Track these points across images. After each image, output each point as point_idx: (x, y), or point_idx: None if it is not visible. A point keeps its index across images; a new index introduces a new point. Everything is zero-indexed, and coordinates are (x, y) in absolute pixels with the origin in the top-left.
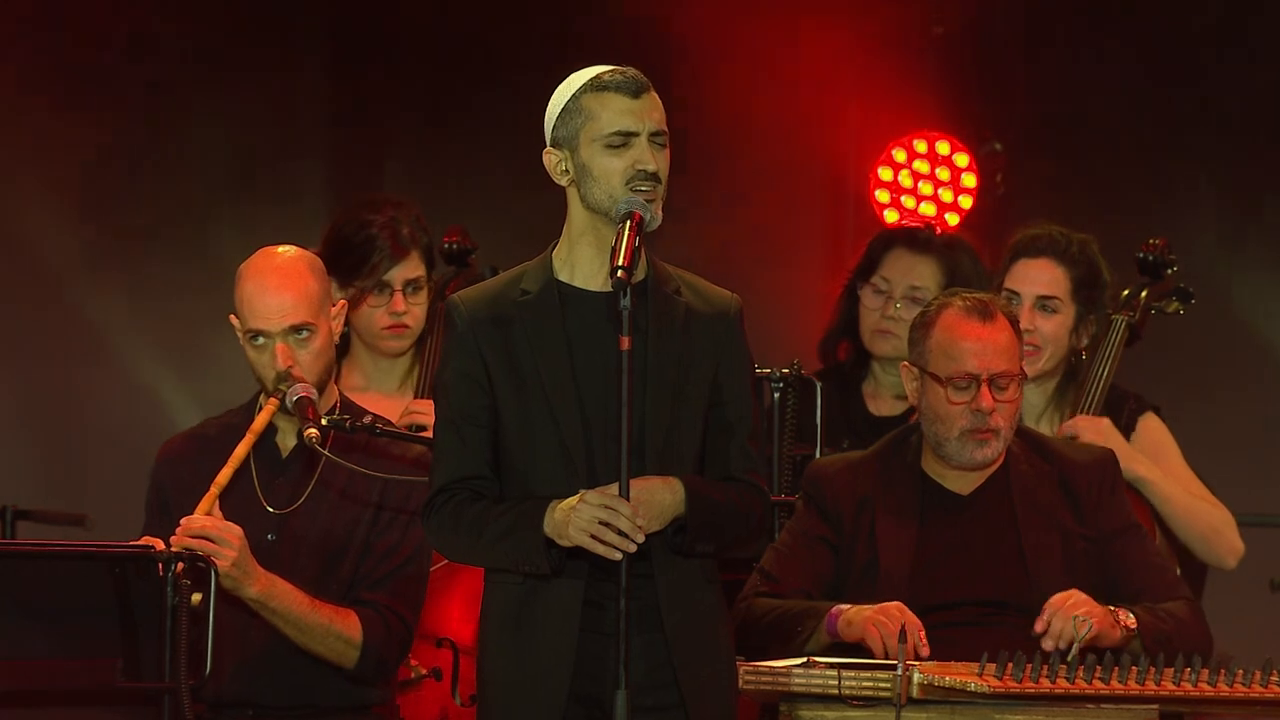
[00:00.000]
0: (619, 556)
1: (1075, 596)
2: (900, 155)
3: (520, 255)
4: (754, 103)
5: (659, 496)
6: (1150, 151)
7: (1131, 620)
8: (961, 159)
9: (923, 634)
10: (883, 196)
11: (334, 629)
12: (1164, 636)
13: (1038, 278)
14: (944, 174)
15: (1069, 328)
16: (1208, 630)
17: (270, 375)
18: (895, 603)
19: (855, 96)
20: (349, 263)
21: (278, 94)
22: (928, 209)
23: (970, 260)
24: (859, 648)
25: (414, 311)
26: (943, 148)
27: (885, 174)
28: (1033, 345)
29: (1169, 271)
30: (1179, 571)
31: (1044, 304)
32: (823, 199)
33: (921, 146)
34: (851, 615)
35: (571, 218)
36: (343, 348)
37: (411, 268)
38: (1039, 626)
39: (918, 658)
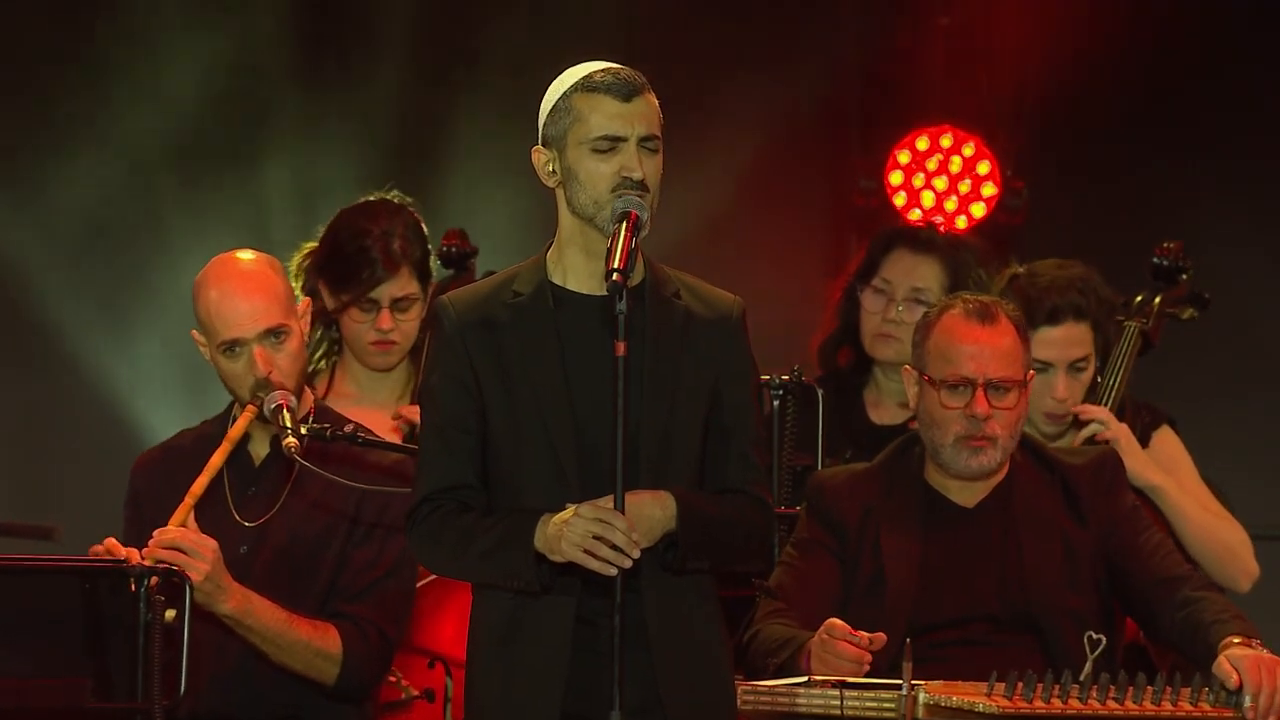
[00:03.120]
0: (614, 572)
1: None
2: (928, 142)
3: (522, 259)
4: (752, 99)
5: (648, 511)
6: (1164, 149)
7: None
8: (989, 188)
9: (860, 637)
10: (902, 158)
11: (312, 645)
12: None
13: (1068, 342)
14: (964, 187)
15: (1094, 372)
16: None
17: (248, 383)
18: (830, 621)
19: (857, 91)
20: (339, 271)
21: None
22: (927, 198)
23: (975, 260)
24: None
25: (403, 328)
26: (983, 168)
27: (914, 148)
28: (1059, 415)
29: (1183, 277)
30: None
31: (1076, 366)
32: (824, 197)
33: (966, 148)
34: (813, 657)
35: (560, 221)
36: (333, 355)
37: (401, 285)
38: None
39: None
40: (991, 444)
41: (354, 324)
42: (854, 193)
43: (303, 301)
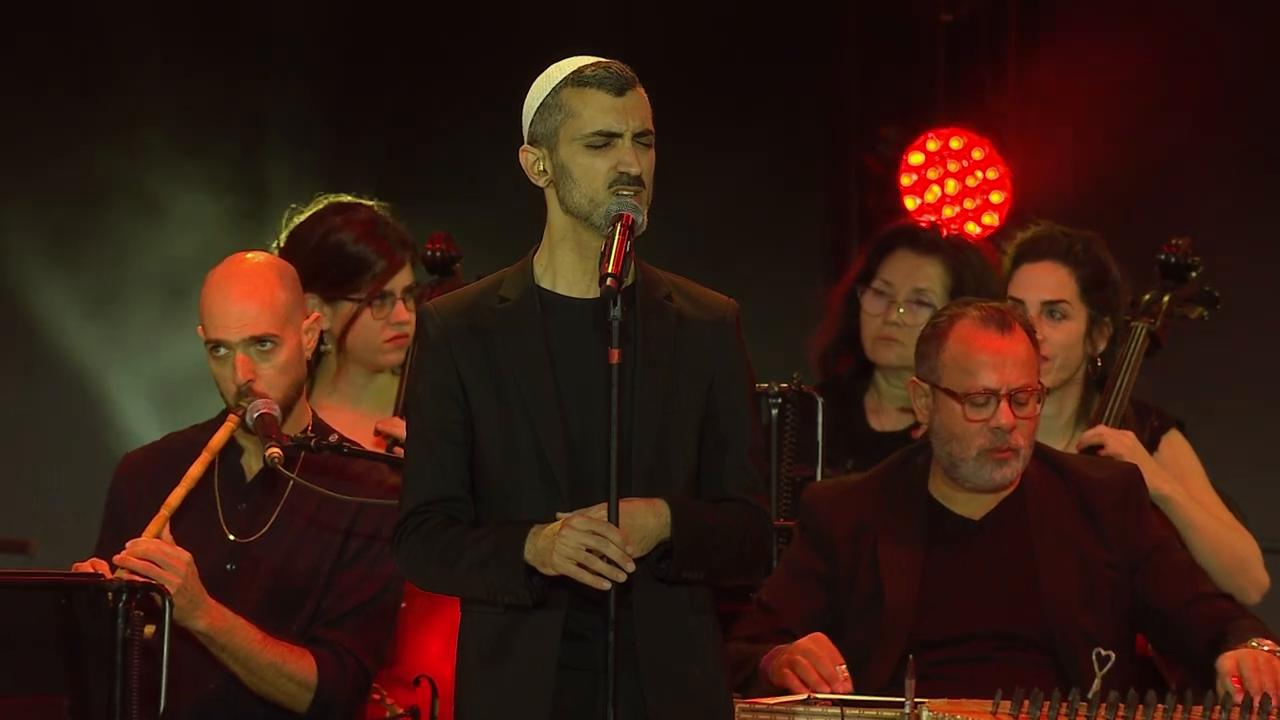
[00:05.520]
0: (607, 586)
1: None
2: (961, 143)
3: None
4: (751, 98)
5: (642, 520)
6: (1172, 144)
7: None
8: (991, 218)
9: (843, 667)
10: (931, 145)
11: (285, 670)
12: None
13: (1042, 282)
14: (970, 204)
15: (1081, 334)
16: None
17: (230, 389)
18: (815, 634)
19: (859, 89)
20: (339, 277)
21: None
22: (931, 192)
23: (979, 261)
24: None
25: (411, 319)
26: (996, 197)
27: (946, 143)
28: (1040, 356)
29: (1193, 274)
30: None
31: (1051, 309)
32: (824, 198)
33: (991, 171)
34: (779, 662)
35: (551, 221)
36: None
37: (408, 273)
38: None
39: (834, 692)
40: (1015, 455)
41: (370, 323)
42: (869, 151)
43: (311, 316)
